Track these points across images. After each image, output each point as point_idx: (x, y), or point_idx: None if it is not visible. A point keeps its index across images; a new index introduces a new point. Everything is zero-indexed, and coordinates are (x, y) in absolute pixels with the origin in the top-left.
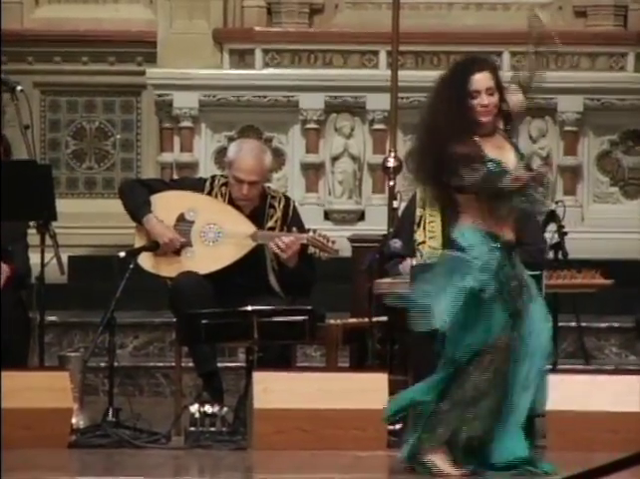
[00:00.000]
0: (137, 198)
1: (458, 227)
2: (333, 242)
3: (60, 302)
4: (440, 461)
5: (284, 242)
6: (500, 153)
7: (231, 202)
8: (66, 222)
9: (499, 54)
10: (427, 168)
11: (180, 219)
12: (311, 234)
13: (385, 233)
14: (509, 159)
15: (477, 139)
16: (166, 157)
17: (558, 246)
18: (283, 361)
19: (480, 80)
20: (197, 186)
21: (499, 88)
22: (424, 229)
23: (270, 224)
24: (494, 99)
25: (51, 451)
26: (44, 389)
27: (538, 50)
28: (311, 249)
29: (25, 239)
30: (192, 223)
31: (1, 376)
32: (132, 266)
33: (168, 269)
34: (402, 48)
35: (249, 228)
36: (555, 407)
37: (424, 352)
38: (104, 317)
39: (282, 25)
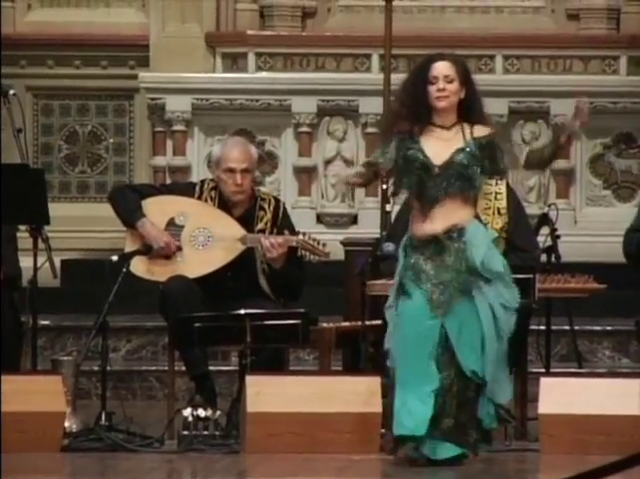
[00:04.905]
0: (128, 203)
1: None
2: (324, 245)
3: (52, 306)
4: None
5: (271, 242)
6: (439, 144)
7: (221, 205)
8: (59, 225)
9: (492, 57)
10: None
11: (171, 223)
12: (301, 236)
13: (378, 236)
14: (445, 154)
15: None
16: (159, 160)
17: (551, 250)
18: (276, 365)
19: (439, 67)
20: (187, 190)
21: (466, 83)
22: None
23: (260, 226)
24: (452, 86)
25: (44, 455)
26: (37, 393)
27: None
28: (301, 252)
29: (15, 241)
30: (182, 227)
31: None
32: (124, 270)
33: (159, 274)
34: (394, 52)
35: (239, 231)
36: (548, 410)
37: None
38: (96, 321)
39: (275, 29)
